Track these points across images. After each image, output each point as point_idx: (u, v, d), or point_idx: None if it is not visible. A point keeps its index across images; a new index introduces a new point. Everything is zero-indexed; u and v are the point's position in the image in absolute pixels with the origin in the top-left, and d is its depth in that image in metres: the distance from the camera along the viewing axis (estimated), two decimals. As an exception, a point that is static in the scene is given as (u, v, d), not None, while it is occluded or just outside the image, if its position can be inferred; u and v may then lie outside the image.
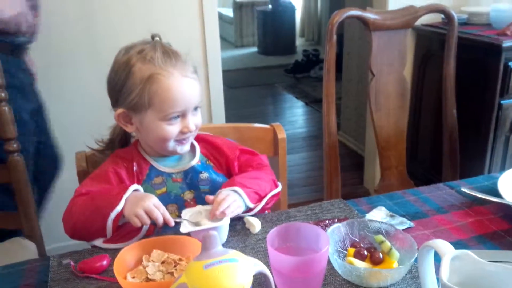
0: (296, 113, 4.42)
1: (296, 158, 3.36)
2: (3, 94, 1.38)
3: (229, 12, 6.94)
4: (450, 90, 1.62)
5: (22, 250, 1.43)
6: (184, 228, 0.87)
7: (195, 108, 1.01)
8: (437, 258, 0.67)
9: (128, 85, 0.97)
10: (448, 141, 1.65)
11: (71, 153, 2.09)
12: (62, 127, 2.05)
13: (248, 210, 0.99)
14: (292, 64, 5.44)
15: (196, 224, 0.89)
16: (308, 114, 4.31)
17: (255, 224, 0.96)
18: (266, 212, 1.05)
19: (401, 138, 1.61)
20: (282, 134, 1.31)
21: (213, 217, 0.91)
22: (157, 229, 0.95)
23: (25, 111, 1.58)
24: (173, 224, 0.89)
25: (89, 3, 1.95)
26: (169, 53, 0.98)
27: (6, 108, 1.39)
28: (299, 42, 6.72)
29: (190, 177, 1.04)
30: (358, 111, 3.19)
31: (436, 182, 1.25)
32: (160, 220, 0.88)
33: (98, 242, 0.92)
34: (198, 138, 1.10)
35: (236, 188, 0.97)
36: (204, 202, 1.02)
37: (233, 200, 0.92)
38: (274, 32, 6.21)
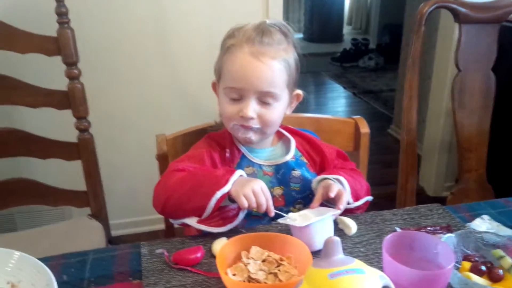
0: (343, 104, 4.32)
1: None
2: (76, 71, 1.36)
3: (276, -3, 6.82)
4: (540, 92, 1.50)
5: (88, 229, 1.42)
6: (296, 221, 0.84)
7: (265, 100, 0.93)
8: None
9: (219, 55, 0.98)
10: (533, 146, 1.54)
11: (137, 138, 2.10)
12: (129, 115, 2.06)
13: None
14: (339, 53, 5.31)
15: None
16: (357, 105, 4.20)
17: (351, 226, 0.90)
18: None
19: (483, 139, 1.51)
20: (365, 129, 1.24)
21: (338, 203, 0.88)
22: (241, 222, 0.91)
23: None
24: (273, 214, 0.86)
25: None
26: (256, 30, 0.92)
27: (79, 86, 1.37)
28: (346, 30, 6.55)
29: (282, 173, 0.99)
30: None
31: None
32: (264, 206, 0.85)
33: (191, 221, 0.88)
34: (294, 133, 1.05)
35: (341, 178, 0.92)
36: (292, 200, 0.98)
37: (343, 193, 0.88)
38: (321, 19, 6.07)
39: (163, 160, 1.13)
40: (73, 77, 1.34)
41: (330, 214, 0.84)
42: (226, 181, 0.85)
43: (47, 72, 1.56)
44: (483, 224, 0.92)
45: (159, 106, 2.08)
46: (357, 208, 0.96)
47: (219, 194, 0.84)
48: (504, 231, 0.90)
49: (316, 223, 0.81)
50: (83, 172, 1.42)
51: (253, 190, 0.84)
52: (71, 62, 1.32)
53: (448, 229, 0.90)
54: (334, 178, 0.93)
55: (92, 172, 1.42)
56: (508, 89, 1.73)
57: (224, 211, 0.89)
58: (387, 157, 2.94)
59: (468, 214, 0.97)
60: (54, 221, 1.94)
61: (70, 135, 1.40)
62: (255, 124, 0.93)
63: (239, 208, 0.88)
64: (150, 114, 2.06)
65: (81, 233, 1.40)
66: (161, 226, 1.74)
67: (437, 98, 2.56)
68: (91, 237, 1.38)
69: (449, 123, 2.48)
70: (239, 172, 0.89)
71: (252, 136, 0.96)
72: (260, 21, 0.96)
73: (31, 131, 1.36)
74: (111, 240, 1.45)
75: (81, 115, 1.38)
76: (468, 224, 0.93)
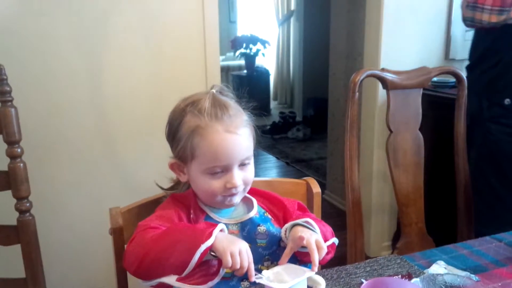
0: (278, 173, 4.43)
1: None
2: (18, 150, 1.30)
3: (203, 76, 7.06)
4: (461, 148, 1.67)
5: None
6: (273, 283, 0.83)
7: (244, 163, 0.97)
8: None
9: (178, 135, 0.97)
10: (462, 198, 1.67)
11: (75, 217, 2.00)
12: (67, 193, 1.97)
13: None
14: (269, 125, 5.53)
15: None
16: (291, 174, 4.32)
17: (320, 282, 0.91)
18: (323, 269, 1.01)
19: (419, 194, 1.62)
20: (316, 189, 1.29)
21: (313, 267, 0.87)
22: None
23: None
24: (253, 279, 0.84)
25: (89, 45, 1.92)
26: (217, 106, 0.95)
27: (21, 165, 1.31)
28: (272, 105, 6.89)
29: (248, 230, 0.99)
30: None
31: (452, 239, 1.23)
32: (245, 269, 0.83)
33: (170, 280, 0.84)
34: (254, 192, 1.06)
35: (310, 220, 0.94)
36: (259, 257, 0.98)
37: (319, 244, 0.89)
38: (249, 96, 6.31)
39: (118, 233, 1.09)
40: (14, 156, 1.28)
41: (306, 275, 0.85)
42: (210, 234, 0.83)
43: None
44: (439, 269, 0.98)
45: (98, 181, 2.02)
46: (327, 252, 0.97)
47: (203, 247, 0.82)
48: (460, 273, 0.96)
49: (294, 285, 0.81)
50: (23, 257, 1.32)
51: (240, 250, 0.83)
52: (13, 141, 1.27)
53: (409, 276, 0.94)
54: (303, 222, 0.95)
55: (32, 256, 1.32)
56: (434, 146, 1.90)
57: (205, 267, 0.86)
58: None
59: (424, 261, 1.02)
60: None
61: (8, 217, 1.31)
62: (240, 188, 0.96)
63: (220, 264, 0.86)
64: (90, 190, 1.99)
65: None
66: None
67: (367, 160, 2.70)
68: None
69: (381, 184, 2.61)
70: (220, 226, 0.88)
71: (237, 199, 0.99)
72: (208, 92, 0.98)
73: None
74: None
75: (22, 196, 1.30)
76: (426, 270, 0.98)
